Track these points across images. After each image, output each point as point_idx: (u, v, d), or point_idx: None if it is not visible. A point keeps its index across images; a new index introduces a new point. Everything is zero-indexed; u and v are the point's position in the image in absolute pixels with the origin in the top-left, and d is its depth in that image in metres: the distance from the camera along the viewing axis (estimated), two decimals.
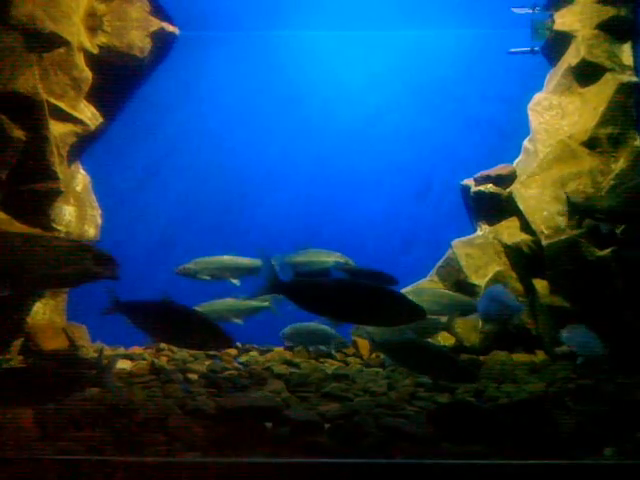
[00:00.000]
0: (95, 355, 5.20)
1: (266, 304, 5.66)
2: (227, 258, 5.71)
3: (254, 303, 5.64)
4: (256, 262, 5.57)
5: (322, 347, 5.64)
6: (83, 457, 3.34)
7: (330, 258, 5.67)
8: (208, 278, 5.65)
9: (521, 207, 5.86)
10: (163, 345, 5.59)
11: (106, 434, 3.65)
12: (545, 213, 5.66)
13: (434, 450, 3.66)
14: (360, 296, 3.96)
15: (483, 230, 6.23)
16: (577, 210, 5.42)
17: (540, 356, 5.56)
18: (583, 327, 5.03)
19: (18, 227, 4.97)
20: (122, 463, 3.34)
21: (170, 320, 4.24)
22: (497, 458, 3.52)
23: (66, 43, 5.29)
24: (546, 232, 5.60)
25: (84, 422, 3.75)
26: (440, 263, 6.22)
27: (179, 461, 3.42)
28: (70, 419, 3.76)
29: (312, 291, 3.96)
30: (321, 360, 5.59)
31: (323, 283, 4.11)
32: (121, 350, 5.68)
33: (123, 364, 5.12)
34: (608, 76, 5.80)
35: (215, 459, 3.44)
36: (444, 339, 5.78)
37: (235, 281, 5.66)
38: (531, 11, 6.30)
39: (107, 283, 4.28)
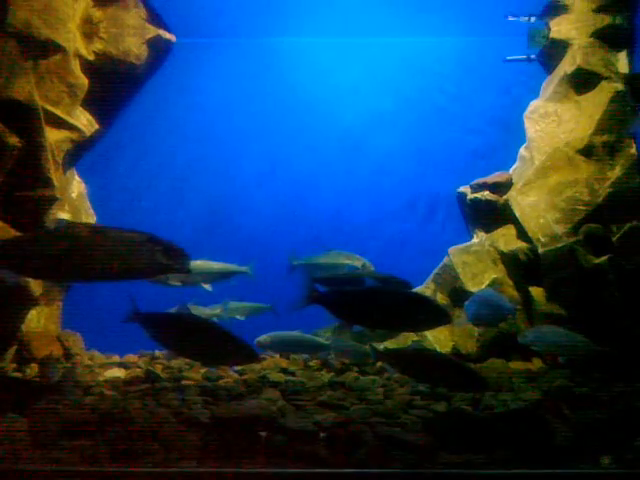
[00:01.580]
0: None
1: (217, 312, 5.59)
2: (199, 263, 5.48)
3: (207, 311, 5.55)
4: (229, 266, 5.50)
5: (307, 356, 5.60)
6: (75, 468, 3.31)
7: (350, 261, 5.60)
8: (179, 284, 5.48)
9: (517, 214, 5.86)
10: (158, 353, 5.54)
11: (100, 443, 3.62)
12: (541, 220, 5.66)
13: (430, 459, 3.64)
14: (398, 304, 3.97)
15: (479, 237, 6.22)
16: None
17: (537, 364, 5.54)
18: (547, 327, 5.05)
19: (13, 234, 4.94)
20: (116, 473, 3.32)
21: (192, 333, 4.09)
22: (494, 467, 3.50)
23: (62, 50, 5.27)
24: (542, 240, 5.59)
25: (78, 431, 3.73)
26: (437, 270, 6.20)
27: (173, 471, 3.40)
28: (63, 428, 3.73)
29: (350, 301, 3.96)
30: (317, 368, 5.56)
31: (360, 293, 4.11)
32: (116, 358, 5.65)
33: (117, 372, 5.08)
34: (604, 84, 5.80)
35: (210, 469, 3.41)
36: (441, 346, 5.77)
37: (207, 286, 5.55)
38: (527, 19, 6.32)
39: (127, 292, 4.18)
